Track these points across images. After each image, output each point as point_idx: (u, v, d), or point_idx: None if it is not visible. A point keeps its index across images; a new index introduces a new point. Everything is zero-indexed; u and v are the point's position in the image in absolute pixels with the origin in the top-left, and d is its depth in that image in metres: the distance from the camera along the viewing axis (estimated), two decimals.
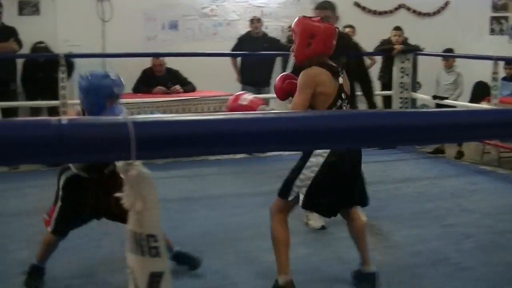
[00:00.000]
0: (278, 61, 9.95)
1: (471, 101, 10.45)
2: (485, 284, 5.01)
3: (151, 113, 7.44)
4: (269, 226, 4.51)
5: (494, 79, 8.67)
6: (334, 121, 1.47)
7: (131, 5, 10.72)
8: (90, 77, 4.51)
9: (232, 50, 10.17)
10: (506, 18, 12.14)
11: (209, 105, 9.26)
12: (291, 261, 4.46)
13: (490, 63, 8.81)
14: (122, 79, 4.64)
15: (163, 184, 7.66)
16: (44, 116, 8.49)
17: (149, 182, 1.42)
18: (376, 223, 6.27)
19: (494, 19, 12.26)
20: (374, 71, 10.48)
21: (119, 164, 1.41)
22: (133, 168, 1.37)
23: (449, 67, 9.91)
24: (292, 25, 4.53)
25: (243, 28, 11.03)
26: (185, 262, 4.95)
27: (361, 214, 6.21)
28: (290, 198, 4.43)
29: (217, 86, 9.70)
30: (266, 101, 4.66)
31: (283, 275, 4.40)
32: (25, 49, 9.33)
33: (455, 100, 9.60)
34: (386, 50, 10.01)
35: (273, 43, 10.21)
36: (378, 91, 10.58)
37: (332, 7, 5.96)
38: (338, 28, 5.74)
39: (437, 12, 12.70)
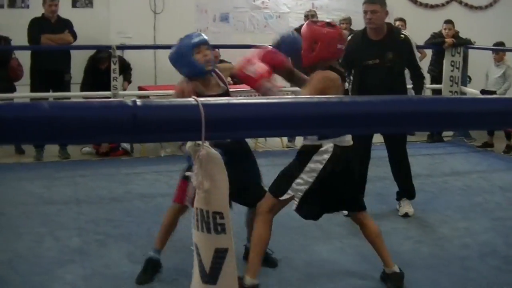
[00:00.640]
0: None
1: None
2: None
3: None
4: (255, 222, 4.42)
5: None
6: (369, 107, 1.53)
7: None
8: (172, 49, 4.62)
9: None
10: None
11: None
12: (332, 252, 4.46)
13: None
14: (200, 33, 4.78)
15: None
16: None
17: (217, 162, 1.48)
18: (424, 215, 6.29)
19: None
20: (424, 64, 10.46)
21: (189, 144, 1.49)
22: (202, 148, 1.44)
23: (499, 60, 9.83)
24: (301, 30, 4.54)
25: (294, 20, 11.07)
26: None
27: (407, 206, 6.25)
28: (283, 198, 4.36)
29: None
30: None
31: (252, 277, 4.33)
32: (80, 41, 9.47)
33: (503, 93, 9.53)
34: (437, 43, 9.95)
35: None
36: (428, 84, 10.57)
37: (381, 2, 5.97)
38: (389, 23, 5.80)
39: (489, 5, 12.58)
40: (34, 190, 7.07)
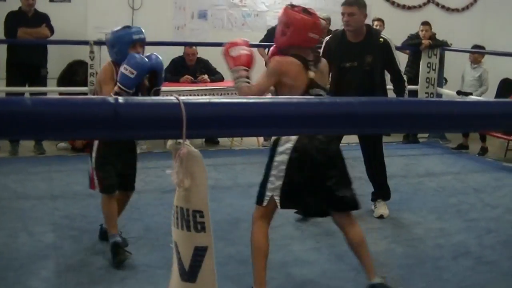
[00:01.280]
0: None
1: (496, 98, 10.42)
2: (507, 278, 5.05)
3: None
4: (251, 233, 4.34)
5: None
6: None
7: None
8: (112, 31, 5.14)
9: (261, 41, 10.17)
10: None
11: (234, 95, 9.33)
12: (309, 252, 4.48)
13: None
14: (141, 29, 5.25)
15: None
16: None
17: (198, 160, 1.49)
18: (398, 216, 6.33)
19: None
20: (401, 65, 10.52)
21: (169, 142, 1.49)
22: (183, 146, 1.45)
23: (475, 62, 9.91)
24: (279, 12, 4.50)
25: (272, 19, 11.07)
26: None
27: (383, 207, 6.29)
28: (265, 204, 4.27)
29: None
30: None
31: (259, 287, 4.25)
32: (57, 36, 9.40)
33: (479, 96, 9.61)
34: (414, 44, 10.02)
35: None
36: None
37: (359, 4, 5.93)
38: (369, 25, 5.80)
39: (466, 8, 12.66)
40: (9, 184, 7.02)
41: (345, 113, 1.47)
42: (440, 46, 9.91)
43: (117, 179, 5.04)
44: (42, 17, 9.17)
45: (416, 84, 9.92)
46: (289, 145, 4.19)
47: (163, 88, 5.64)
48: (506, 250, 5.55)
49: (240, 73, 4.30)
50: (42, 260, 4.98)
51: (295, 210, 5.32)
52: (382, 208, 6.30)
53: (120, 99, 1.28)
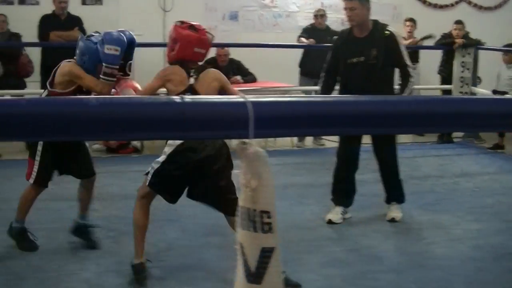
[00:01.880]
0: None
1: None
2: None
3: None
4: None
5: None
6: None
7: None
8: (83, 38, 5.17)
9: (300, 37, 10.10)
10: None
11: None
12: None
13: None
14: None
15: None
16: None
17: (264, 160, 1.48)
18: (435, 217, 6.26)
19: None
20: (435, 65, 10.46)
21: (236, 142, 1.48)
22: (250, 146, 1.43)
23: (509, 62, 9.81)
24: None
25: (303, 19, 11.06)
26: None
27: (396, 211, 6.16)
28: (147, 183, 4.59)
29: (277, 77, 9.77)
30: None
31: (138, 258, 4.65)
32: None
33: None
34: (447, 44, 9.95)
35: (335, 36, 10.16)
36: (438, 85, 10.57)
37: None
38: (375, 20, 5.74)
39: (499, 6, 12.55)
40: None
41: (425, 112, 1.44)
42: (473, 45, 9.83)
43: (69, 168, 5.44)
44: (74, 20, 9.24)
45: (450, 83, 9.85)
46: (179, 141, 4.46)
47: None
48: None
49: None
50: (82, 261, 5.01)
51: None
52: (394, 212, 6.14)
53: (187, 98, 1.26)
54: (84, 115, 1.24)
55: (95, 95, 4.88)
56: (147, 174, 4.60)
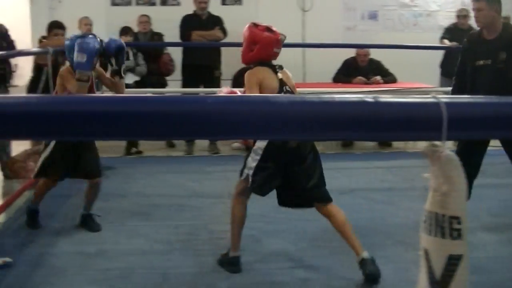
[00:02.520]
0: None
1: None
2: None
3: None
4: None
5: None
6: None
7: None
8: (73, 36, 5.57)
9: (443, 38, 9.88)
10: None
11: None
12: None
13: None
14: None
15: (364, 174, 7.70)
16: None
17: (456, 163, 1.41)
18: None
19: None
20: None
21: (425, 144, 1.42)
22: (443, 149, 1.37)
23: None
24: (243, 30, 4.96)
25: (444, 19, 10.80)
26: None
27: None
28: (242, 178, 4.83)
29: (417, 78, 9.59)
30: None
31: (235, 251, 4.88)
32: (228, 38, 9.56)
33: None
34: None
35: None
36: None
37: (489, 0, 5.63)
38: (507, 22, 5.44)
39: None
40: (186, 183, 7.21)
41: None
42: None
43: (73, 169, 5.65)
44: (215, 20, 9.39)
45: None
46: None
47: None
48: None
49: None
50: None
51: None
52: None
53: (380, 98, 1.22)
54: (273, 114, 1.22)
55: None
56: (241, 172, 4.84)
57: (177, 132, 1.33)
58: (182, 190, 6.92)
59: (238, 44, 9.55)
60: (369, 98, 1.22)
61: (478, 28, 5.81)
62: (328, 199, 4.77)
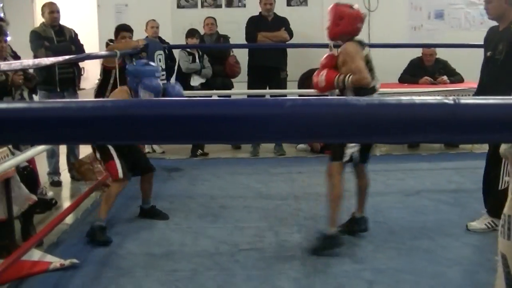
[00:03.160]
0: None
1: None
2: None
3: None
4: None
5: None
6: None
7: None
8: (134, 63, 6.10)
9: None
10: None
11: None
12: None
13: None
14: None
15: (430, 175, 7.61)
16: None
17: None
18: None
19: None
20: None
21: (504, 146, 1.39)
22: None
23: None
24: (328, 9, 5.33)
25: None
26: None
27: (479, 220, 5.59)
28: (345, 160, 5.13)
29: None
30: None
31: (333, 227, 5.13)
32: (294, 39, 9.53)
33: None
34: None
35: None
36: None
37: None
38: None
39: None
40: (252, 184, 7.23)
41: None
42: None
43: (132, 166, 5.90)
44: (281, 21, 9.38)
45: None
46: None
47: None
48: None
49: (340, 78, 5.10)
50: (290, 260, 5.03)
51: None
52: (477, 221, 5.65)
53: (461, 99, 1.20)
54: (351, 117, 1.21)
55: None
56: (338, 158, 5.17)
57: (260, 135, 1.32)
58: (248, 192, 6.94)
59: (303, 45, 9.68)
60: (449, 100, 1.19)
61: None
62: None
